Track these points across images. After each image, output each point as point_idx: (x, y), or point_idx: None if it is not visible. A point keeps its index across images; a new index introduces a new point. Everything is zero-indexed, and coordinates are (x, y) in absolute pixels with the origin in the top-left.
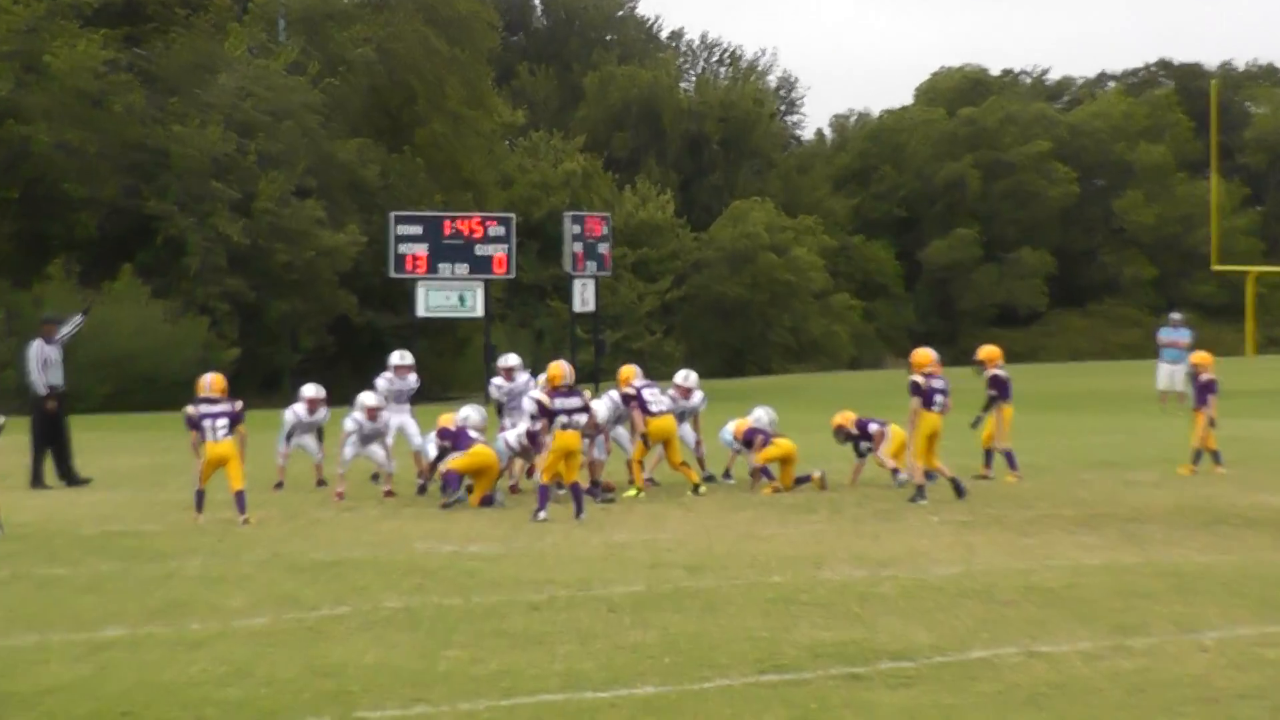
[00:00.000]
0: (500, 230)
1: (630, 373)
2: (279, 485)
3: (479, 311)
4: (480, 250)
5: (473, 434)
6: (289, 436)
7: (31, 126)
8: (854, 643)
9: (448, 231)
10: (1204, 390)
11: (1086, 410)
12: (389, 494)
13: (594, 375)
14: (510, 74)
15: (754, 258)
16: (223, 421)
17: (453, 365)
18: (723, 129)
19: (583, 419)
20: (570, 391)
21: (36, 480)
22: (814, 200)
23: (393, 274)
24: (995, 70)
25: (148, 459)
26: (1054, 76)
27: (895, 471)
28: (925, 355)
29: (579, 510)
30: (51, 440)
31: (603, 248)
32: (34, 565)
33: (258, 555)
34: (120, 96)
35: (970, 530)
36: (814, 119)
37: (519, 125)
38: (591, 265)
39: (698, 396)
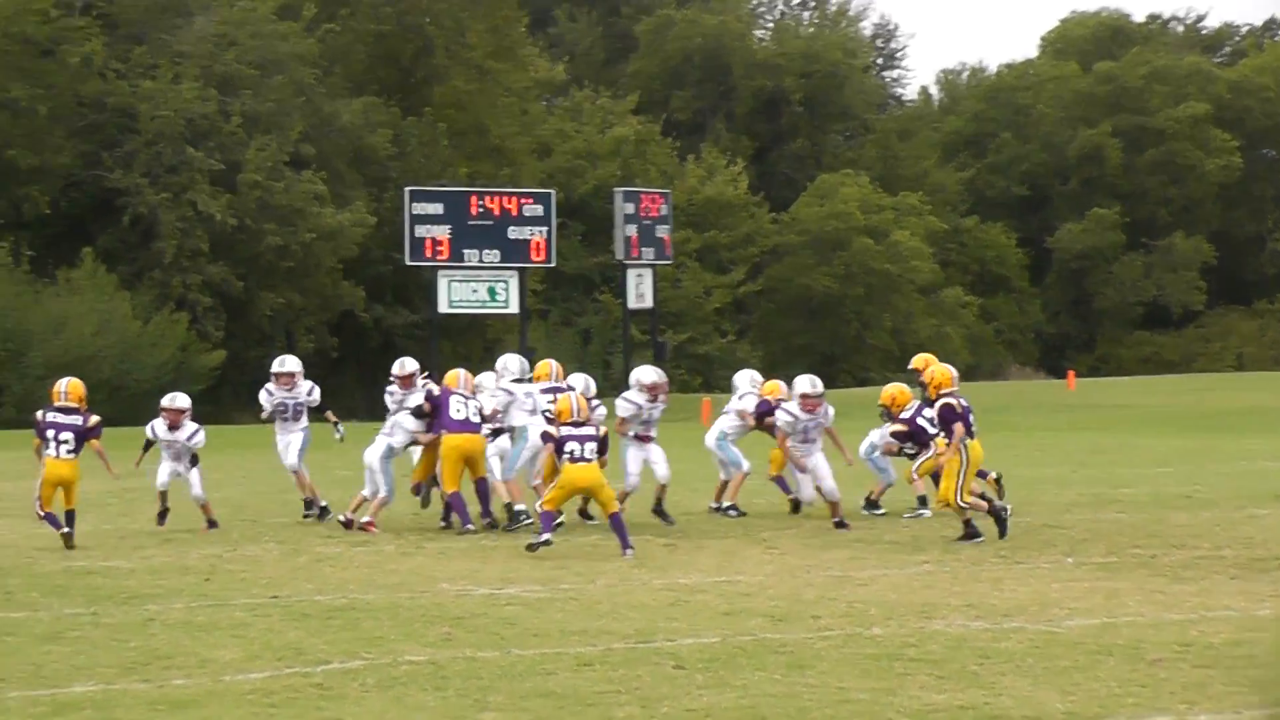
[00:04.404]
0: (538, 209)
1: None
2: (212, 525)
3: (513, 307)
4: (514, 233)
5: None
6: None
7: None
8: (971, 708)
9: (475, 210)
10: None
11: (1254, 431)
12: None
13: None
14: (547, 18)
15: (846, 243)
16: (67, 435)
17: (480, 373)
18: (806, 86)
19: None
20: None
21: None
22: (918, 173)
23: (408, 261)
24: (1139, 16)
25: (115, 483)
26: (1211, 23)
27: (923, 500)
28: (947, 374)
29: (625, 544)
30: None
31: (661, 231)
32: None
33: (253, 598)
34: (75, 45)
35: (1113, 574)
36: (918, 75)
37: (558, 82)
38: (648, 252)
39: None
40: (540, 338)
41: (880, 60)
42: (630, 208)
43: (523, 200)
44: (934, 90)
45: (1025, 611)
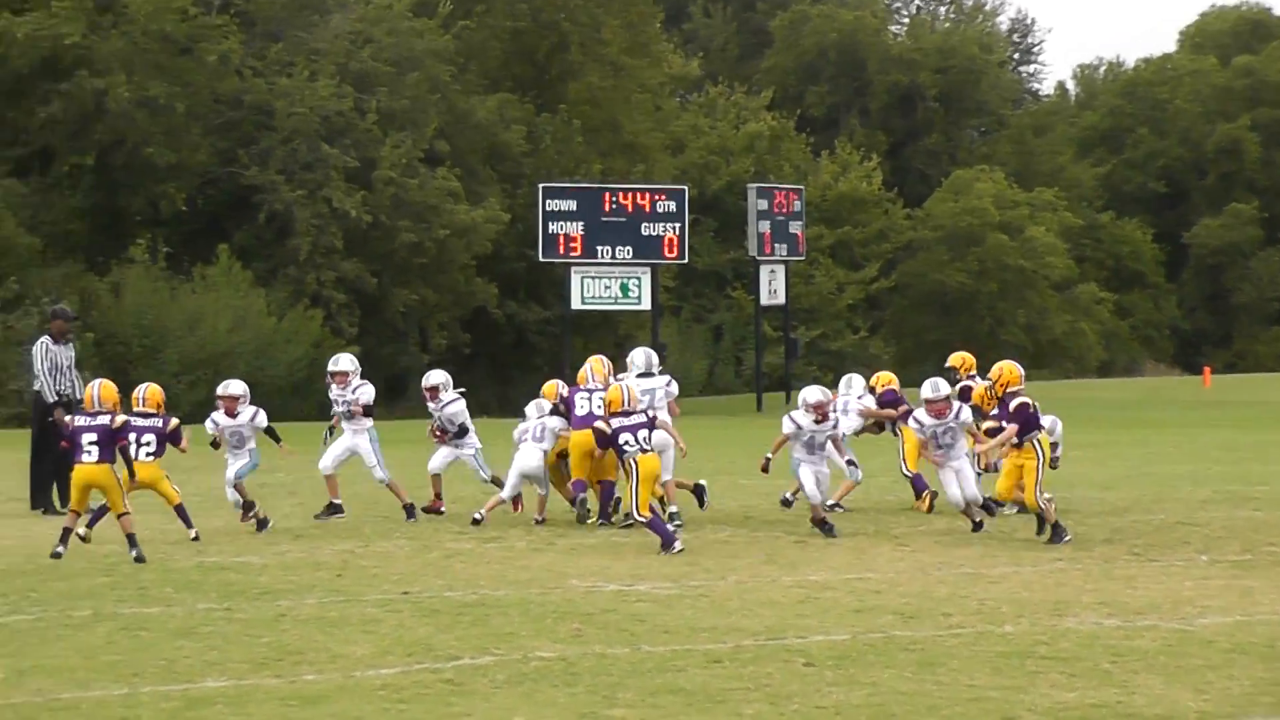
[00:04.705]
0: (671, 205)
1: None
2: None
3: (645, 303)
4: (647, 229)
5: (581, 398)
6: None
7: (107, 79)
8: (1104, 706)
9: (608, 206)
10: None
11: None
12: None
13: (784, 381)
14: (682, 14)
15: (980, 239)
16: (149, 438)
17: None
18: (941, 81)
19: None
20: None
21: (37, 502)
22: (1053, 169)
23: (541, 258)
24: (1279, 10)
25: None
26: None
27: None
28: (1015, 371)
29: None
30: (54, 458)
31: (795, 227)
32: (119, 604)
33: (384, 594)
34: (213, 43)
35: (1248, 572)
36: (1054, 70)
37: (692, 77)
38: (781, 248)
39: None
40: (672, 334)
41: (1016, 55)
42: (763, 204)
43: (656, 196)
44: (1071, 85)
45: (1158, 609)
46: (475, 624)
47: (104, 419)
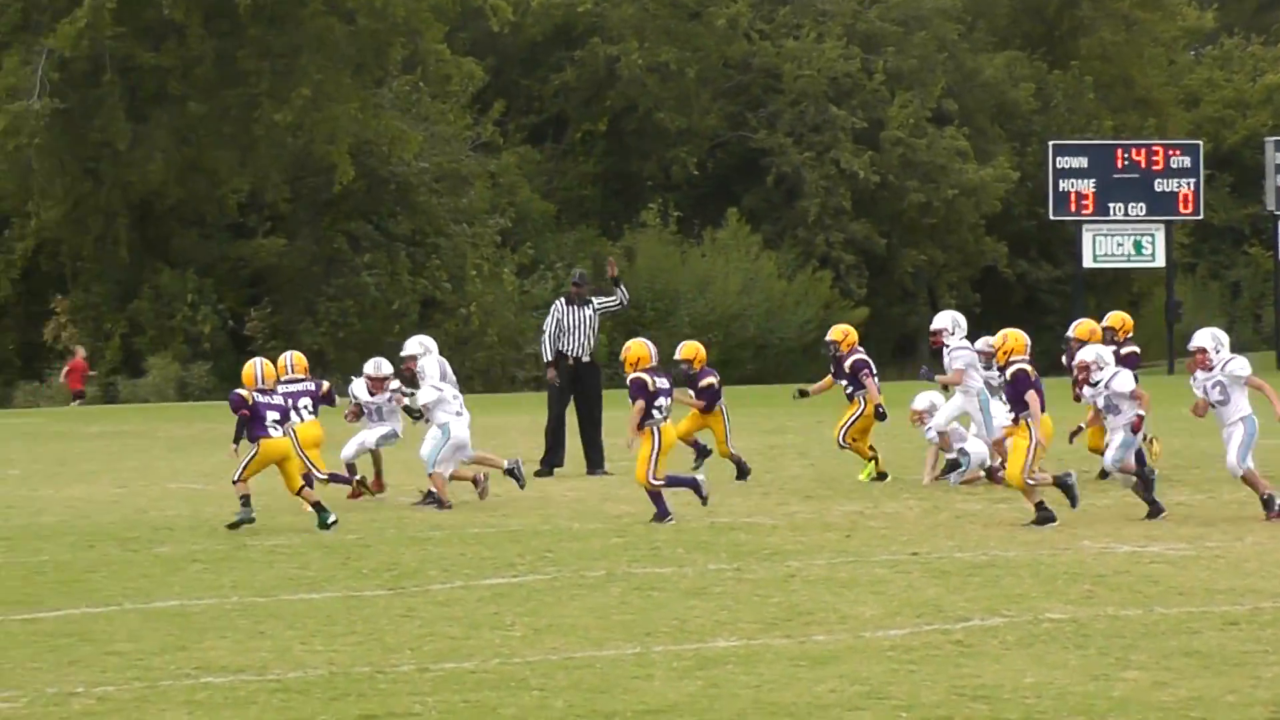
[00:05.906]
0: (1185, 160)
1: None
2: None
3: (1159, 260)
4: (1160, 185)
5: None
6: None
7: (620, 46)
8: None
9: (1120, 163)
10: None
11: None
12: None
13: None
14: None
15: None
16: (305, 400)
17: None
18: None
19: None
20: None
21: (544, 464)
22: None
23: (1052, 216)
24: None
25: (759, 440)
26: None
27: None
28: (1021, 339)
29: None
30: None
31: None
32: (633, 564)
33: (893, 555)
34: (721, 7)
35: None
36: None
37: (1207, 30)
38: None
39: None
40: (1186, 291)
41: None
42: None
43: (1169, 152)
44: None
45: None
46: (985, 585)
47: (279, 396)
